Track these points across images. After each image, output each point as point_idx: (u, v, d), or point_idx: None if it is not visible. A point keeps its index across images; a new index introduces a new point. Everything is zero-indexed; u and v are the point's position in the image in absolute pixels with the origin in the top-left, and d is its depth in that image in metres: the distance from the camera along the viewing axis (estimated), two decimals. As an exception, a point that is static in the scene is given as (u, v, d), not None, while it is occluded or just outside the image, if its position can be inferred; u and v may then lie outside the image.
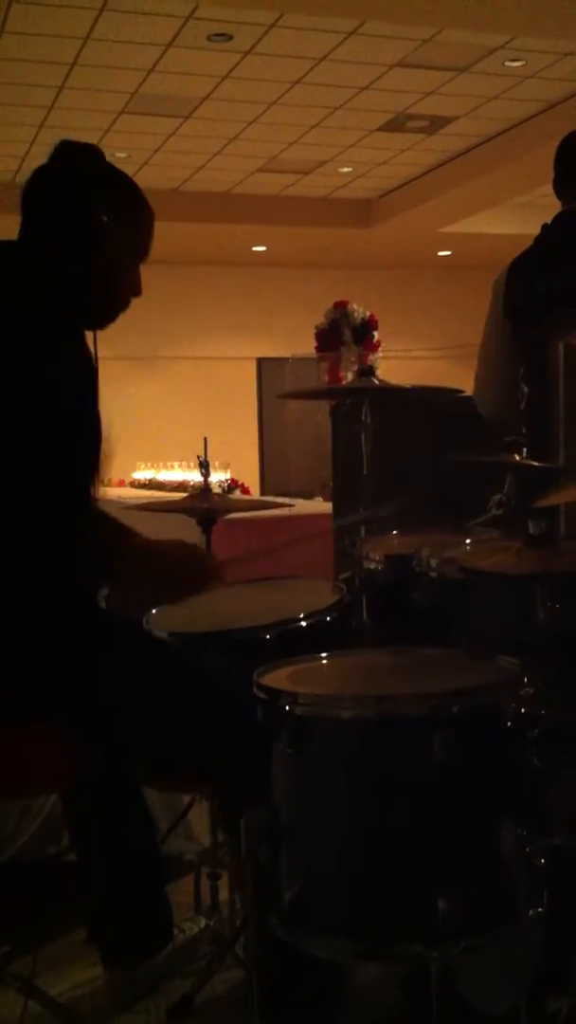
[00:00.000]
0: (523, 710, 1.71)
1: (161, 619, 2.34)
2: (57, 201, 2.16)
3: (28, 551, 1.99)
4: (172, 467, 8.58)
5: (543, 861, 1.61)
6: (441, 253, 12.63)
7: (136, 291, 2.24)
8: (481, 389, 3.15)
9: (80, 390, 2.06)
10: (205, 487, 3.07)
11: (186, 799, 2.94)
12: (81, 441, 2.06)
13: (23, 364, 1.95)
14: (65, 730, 2.02)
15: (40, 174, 2.19)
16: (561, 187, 3.07)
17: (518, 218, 10.16)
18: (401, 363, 10.11)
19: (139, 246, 2.23)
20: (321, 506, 6.40)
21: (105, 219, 2.14)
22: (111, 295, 2.21)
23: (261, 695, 1.76)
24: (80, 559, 2.04)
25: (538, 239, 3.08)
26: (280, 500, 4.92)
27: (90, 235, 2.14)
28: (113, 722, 2.04)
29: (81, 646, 2.03)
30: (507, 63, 7.53)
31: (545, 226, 3.07)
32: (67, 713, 2.01)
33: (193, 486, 7.27)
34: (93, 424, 2.12)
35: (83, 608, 2.08)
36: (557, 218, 3.05)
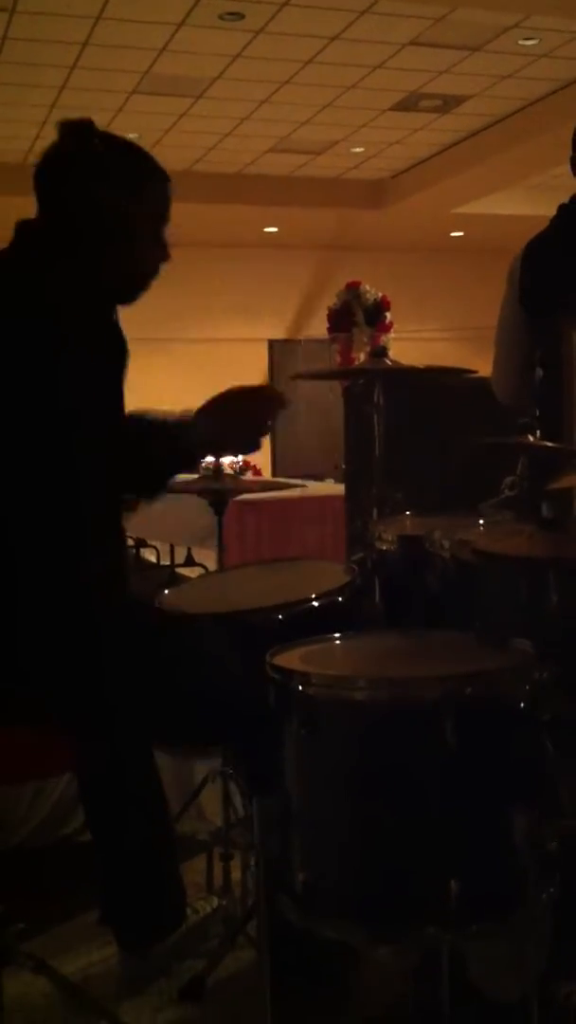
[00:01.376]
0: (536, 694, 1.70)
1: (174, 600, 2.34)
2: (60, 187, 2.13)
3: (46, 549, 1.99)
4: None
5: (555, 845, 1.61)
6: (454, 234, 12.57)
7: (164, 256, 2.21)
8: (498, 375, 3.13)
9: (96, 389, 2.03)
10: (217, 468, 3.07)
11: (198, 779, 2.95)
12: (93, 440, 2.04)
13: (29, 374, 1.95)
14: (78, 712, 2.02)
15: (43, 161, 2.16)
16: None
17: (531, 199, 10.09)
18: (413, 344, 10.08)
19: (155, 211, 2.19)
20: (333, 488, 6.40)
21: (110, 195, 2.10)
22: (135, 267, 2.18)
23: (274, 675, 1.76)
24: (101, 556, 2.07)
25: (554, 221, 3.05)
26: (292, 481, 4.92)
27: (98, 215, 2.11)
28: (126, 704, 2.04)
29: (92, 631, 2.02)
30: (521, 42, 7.47)
31: (562, 207, 3.04)
32: (80, 696, 2.01)
33: (205, 467, 7.27)
34: (110, 418, 2.10)
35: (101, 593, 2.07)
36: (574, 198, 3.02)
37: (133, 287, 2.20)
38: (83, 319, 2.05)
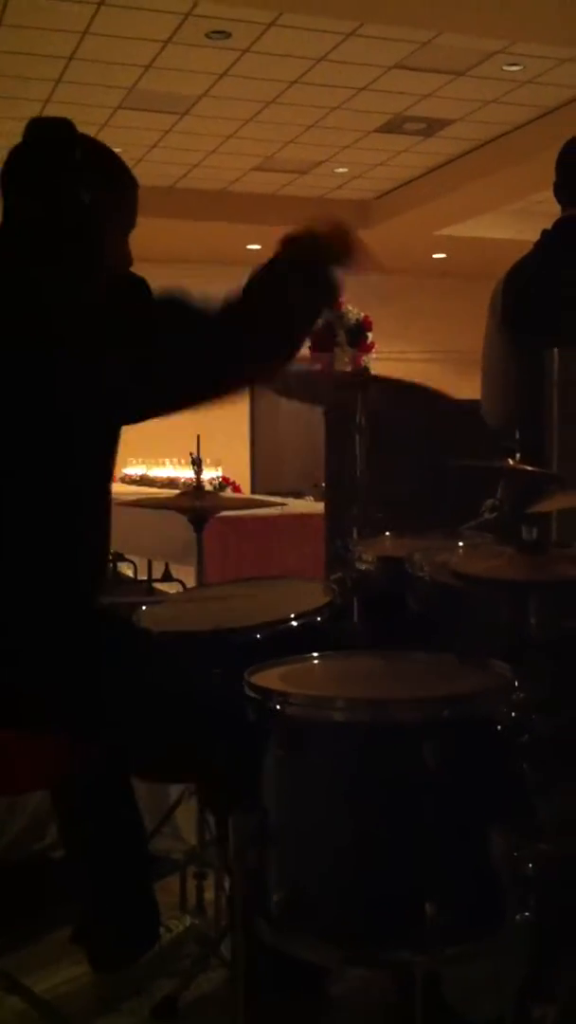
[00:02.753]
0: (514, 715, 1.70)
1: (152, 617, 2.33)
2: (34, 183, 2.11)
3: (22, 550, 1.99)
4: (164, 463, 8.57)
5: (531, 867, 1.61)
6: (436, 256, 12.64)
7: (127, 264, 2.20)
8: (487, 399, 3.15)
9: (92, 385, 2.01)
10: (198, 484, 3.06)
11: (172, 798, 2.94)
12: (82, 435, 2.04)
13: (26, 375, 1.95)
14: (55, 727, 2.01)
15: (13, 155, 2.14)
16: (562, 192, 3.06)
17: (514, 223, 10.16)
18: (395, 365, 10.07)
19: (124, 216, 2.19)
20: (313, 506, 6.39)
21: (85, 194, 2.09)
22: (100, 269, 2.15)
23: (252, 695, 1.76)
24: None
25: (538, 245, 3.08)
26: (272, 499, 4.92)
27: (72, 214, 2.09)
28: (103, 720, 2.03)
29: (73, 644, 2.02)
30: (505, 67, 7.53)
31: (545, 232, 3.07)
32: (57, 711, 2.00)
33: (184, 483, 7.27)
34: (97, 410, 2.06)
35: (75, 606, 2.07)
36: (557, 224, 3.05)
37: (101, 288, 2.17)
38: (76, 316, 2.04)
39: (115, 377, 1.98)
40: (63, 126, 2.14)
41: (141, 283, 2.06)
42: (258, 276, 2.07)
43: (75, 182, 2.09)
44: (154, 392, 2.02)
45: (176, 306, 2.04)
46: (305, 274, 2.09)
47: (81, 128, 2.15)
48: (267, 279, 2.06)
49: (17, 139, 2.18)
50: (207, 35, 6.95)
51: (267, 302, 2.05)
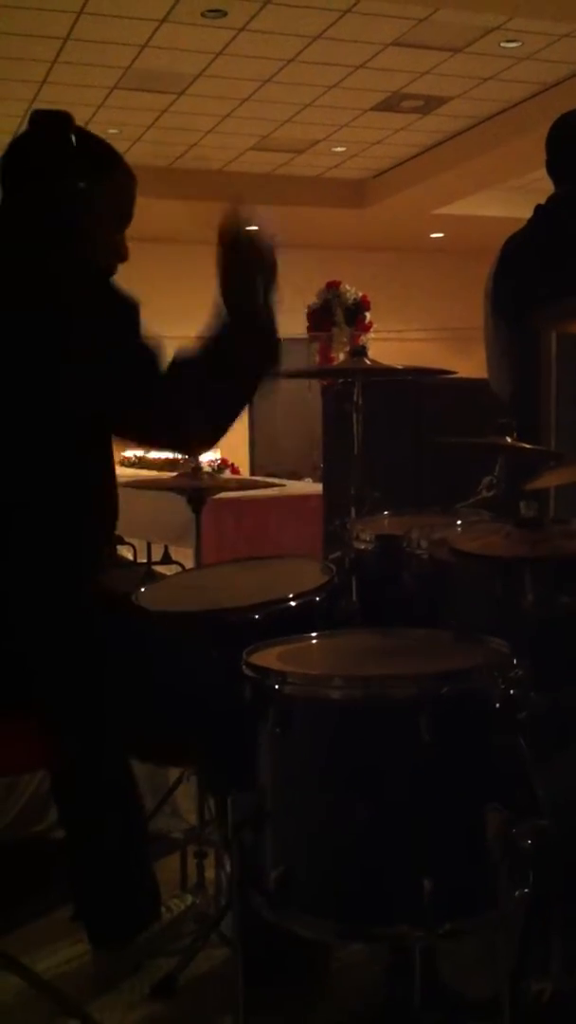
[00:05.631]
0: (511, 692, 1.70)
1: (150, 597, 2.33)
2: (30, 173, 2.13)
3: (21, 531, 2.00)
4: (161, 446, 8.55)
5: (528, 844, 1.61)
6: (434, 235, 12.60)
7: (122, 256, 2.21)
8: (493, 378, 3.15)
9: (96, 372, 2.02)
10: (195, 466, 3.06)
11: (172, 777, 2.94)
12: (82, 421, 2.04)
13: (31, 365, 1.96)
14: (54, 708, 2.02)
15: (12, 147, 2.17)
16: (553, 168, 3.06)
17: (511, 201, 10.12)
18: (393, 344, 10.11)
19: (120, 209, 2.20)
20: (311, 487, 6.40)
21: (82, 186, 2.11)
22: (97, 260, 2.17)
23: (250, 674, 1.76)
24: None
25: (531, 222, 3.07)
26: (270, 480, 4.91)
27: (69, 205, 2.11)
28: (101, 700, 2.03)
29: (71, 624, 2.02)
30: (503, 44, 7.50)
31: (539, 207, 3.06)
32: (56, 691, 2.01)
33: (183, 465, 7.26)
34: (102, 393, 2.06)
35: (74, 587, 2.07)
36: (550, 201, 3.05)
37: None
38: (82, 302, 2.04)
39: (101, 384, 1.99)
40: (61, 118, 2.16)
41: (136, 307, 2.08)
42: (210, 345, 2.10)
43: (71, 172, 2.11)
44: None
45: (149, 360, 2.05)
46: (257, 348, 2.13)
47: (77, 109, 2.17)
48: (221, 348, 2.09)
49: (14, 120, 2.19)
50: (203, 14, 6.92)
51: (218, 377, 2.09)
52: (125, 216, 2.22)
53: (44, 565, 2.04)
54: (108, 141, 2.21)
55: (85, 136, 2.17)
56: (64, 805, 2.47)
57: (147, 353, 2.05)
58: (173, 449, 2.24)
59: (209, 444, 2.22)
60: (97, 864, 2.40)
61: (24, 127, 2.17)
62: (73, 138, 2.14)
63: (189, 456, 2.43)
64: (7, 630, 1.99)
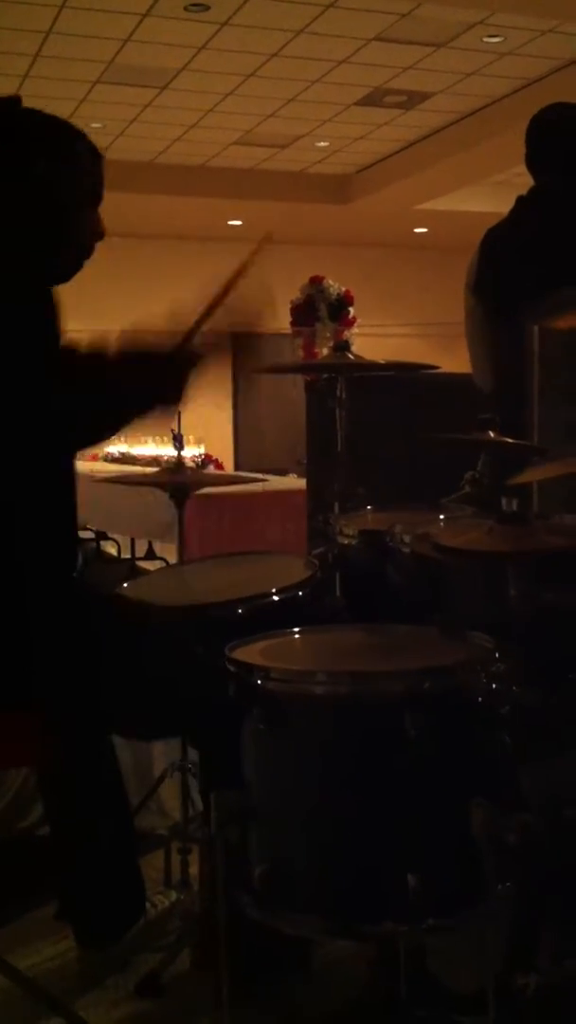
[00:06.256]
0: (495, 687, 1.71)
1: (134, 592, 2.33)
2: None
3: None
4: (145, 441, 8.54)
5: (513, 839, 1.62)
6: (417, 230, 12.60)
7: (98, 234, 2.16)
8: (477, 372, 3.15)
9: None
10: (178, 461, 3.06)
11: (157, 774, 2.94)
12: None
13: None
14: (36, 703, 2.01)
15: None
16: (532, 162, 3.08)
17: (495, 196, 10.10)
18: (377, 340, 10.10)
19: (86, 185, 2.14)
20: (295, 482, 6.39)
21: (42, 164, 2.06)
22: (67, 243, 2.13)
23: (233, 669, 1.76)
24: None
25: (513, 214, 3.07)
26: (254, 476, 4.91)
27: (30, 186, 2.06)
28: (83, 696, 2.03)
29: (53, 620, 2.02)
30: (485, 39, 7.49)
31: (520, 199, 3.07)
32: (38, 686, 2.00)
33: (166, 461, 7.25)
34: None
35: (53, 582, 2.06)
36: (531, 193, 3.05)
37: (64, 262, 2.15)
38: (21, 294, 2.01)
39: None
40: (9, 102, 2.10)
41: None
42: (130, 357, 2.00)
43: (26, 154, 2.06)
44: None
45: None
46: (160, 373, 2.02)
47: (60, 103, 2.14)
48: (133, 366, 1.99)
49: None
50: (185, 8, 6.89)
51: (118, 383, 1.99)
52: (96, 194, 2.17)
53: (31, 561, 2.02)
54: (64, 119, 2.14)
55: (38, 116, 2.10)
56: (51, 802, 2.47)
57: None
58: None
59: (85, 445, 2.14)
60: (82, 862, 2.39)
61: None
62: (25, 120, 2.08)
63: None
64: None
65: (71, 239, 2.13)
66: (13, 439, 1.96)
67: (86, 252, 2.17)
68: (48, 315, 2.01)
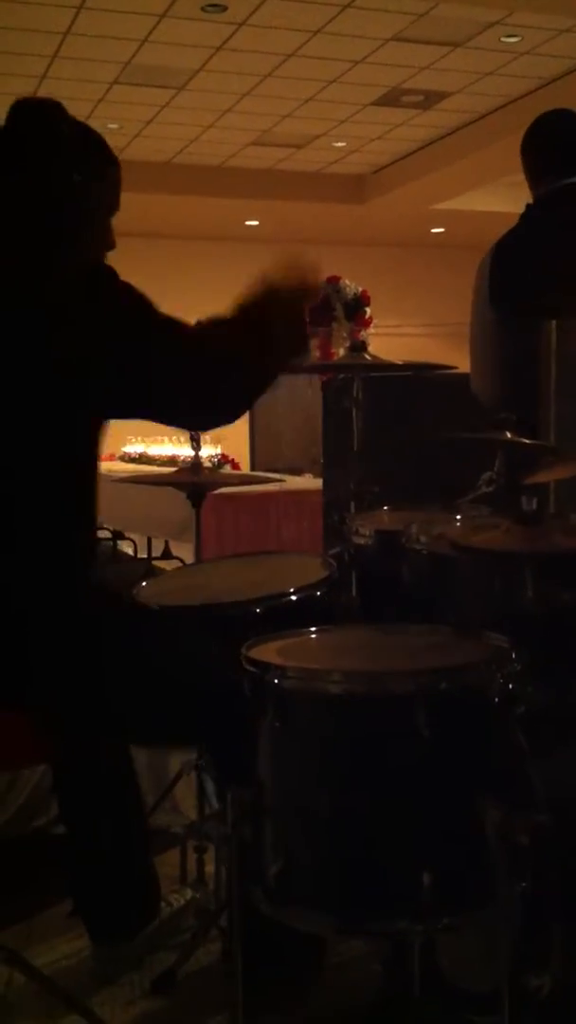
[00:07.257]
0: (510, 687, 1.71)
1: (151, 591, 2.34)
2: (22, 164, 2.09)
3: (16, 525, 2.00)
4: (163, 441, 8.55)
5: (526, 839, 1.62)
6: (434, 230, 12.59)
7: (109, 245, 2.18)
8: (476, 377, 3.14)
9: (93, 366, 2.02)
10: (195, 461, 3.06)
11: (173, 772, 2.95)
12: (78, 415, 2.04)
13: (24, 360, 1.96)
14: (54, 703, 2.02)
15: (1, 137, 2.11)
16: (532, 170, 3.07)
17: (512, 196, 10.05)
18: (393, 340, 10.07)
19: (110, 199, 2.16)
20: (311, 482, 6.40)
21: (77, 177, 2.07)
22: (83, 252, 2.13)
23: (249, 668, 1.76)
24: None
25: (523, 217, 3.07)
26: (270, 475, 4.92)
27: (62, 196, 2.07)
28: (100, 695, 2.03)
29: (70, 619, 2.02)
30: (503, 39, 7.49)
31: (530, 205, 3.06)
32: (56, 686, 2.01)
33: (183, 461, 7.26)
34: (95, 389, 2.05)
35: (71, 581, 2.07)
36: (540, 198, 3.05)
37: (76, 273, 2.14)
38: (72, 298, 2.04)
39: (103, 368, 1.98)
40: (52, 107, 2.12)
41: (113, 275, 2.08)
42: (243, 311, 2.12)
43: (66, 164, 2.08)
44: (138, 394, 2.05)
45: (165, 322, 2.09)
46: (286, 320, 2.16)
47: (77, 104, 2.14)
48: (251, 317, 2.11)
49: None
50: (202, 8, 6.90)
51: (250, 338, 2.10)
52: (114, 205, 2.19)
53: (41, 558, 2.03)
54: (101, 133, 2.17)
55: (75, 125, 2.12)
56: (65, 800, 2.48)
57: (170, 322, 2.09)
58: (197, 418, 2.19)
59: (235, 411, 2.16)
60: (97, 860, 2.40)
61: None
62: (66, 128, 2.10)
63: (210, 428, 2.32)
64: (6, 624, 1.99)
65: (92, 247, 2.15)
66: (26, 439, 1.98)
67: (98, 262, 2.18)
68: (51, 317, 2.02)
